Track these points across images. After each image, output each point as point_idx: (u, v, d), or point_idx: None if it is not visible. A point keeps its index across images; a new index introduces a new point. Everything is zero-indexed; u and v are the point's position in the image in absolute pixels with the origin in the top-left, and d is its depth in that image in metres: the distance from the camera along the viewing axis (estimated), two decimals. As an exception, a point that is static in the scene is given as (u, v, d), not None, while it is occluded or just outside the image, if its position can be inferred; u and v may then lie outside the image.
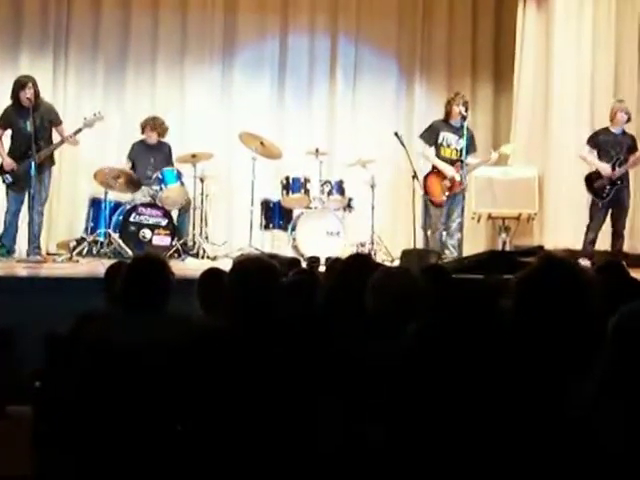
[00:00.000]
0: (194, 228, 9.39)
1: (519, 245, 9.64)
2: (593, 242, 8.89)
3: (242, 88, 10.61)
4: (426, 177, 8.94)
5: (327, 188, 9.35)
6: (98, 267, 7.39)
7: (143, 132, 9.50)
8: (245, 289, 3.42)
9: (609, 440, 2.14)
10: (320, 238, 9.07)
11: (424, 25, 11.02)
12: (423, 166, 9.09)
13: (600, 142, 8.92)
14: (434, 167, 8.97)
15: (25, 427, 3.64)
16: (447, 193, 8.84)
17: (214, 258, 9.06)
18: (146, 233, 8.86)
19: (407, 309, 3.20)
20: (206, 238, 9.42)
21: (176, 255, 8.90)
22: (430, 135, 9.02)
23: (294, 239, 9.13)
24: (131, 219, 8.85)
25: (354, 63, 10.93)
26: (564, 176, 9.77)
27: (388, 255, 9.28)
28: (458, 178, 8.81)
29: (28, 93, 8.20)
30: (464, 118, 8.85)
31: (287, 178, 9.36)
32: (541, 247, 8.67)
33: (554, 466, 2.20)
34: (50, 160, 8.44)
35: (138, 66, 10.40)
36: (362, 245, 9.39)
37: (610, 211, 8.87)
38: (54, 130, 8.48)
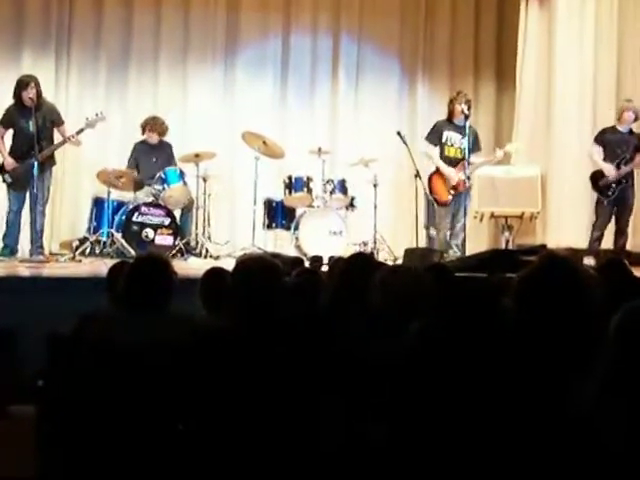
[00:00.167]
0: (197, 228, 9.39)
1: (522, 244, 9.63)
2: (599, 240, 8.88)
3: (244, 87, 10.61)
4: (430, 177, 8.92)
5: (330, 187, 9.35)
6: (101, 267, 7.40)
7: (143, 133, 9.50)
8: (248, 289, 3.42)
9: (611, 439, 2.13)
10: (323, 237, 9.08)
11: (426, 24, 11.04)
12: (427, 166, 9.07)
13: (607, 140, 8.92)
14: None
15: (28, 427, 3.64)
16: (452, 192, 8.83)
17: (217, 258, 9.05)
18: (149, 233, 8.86)
19: (411, 307, 3.20)
20: (209, 238, 9.42)
21: (179, 255, 8.89)
22: (434, 135, 9.01)
23: (297, 238, 9.13)
24: (134, 219, 8.83)
25: (356, 62, 10.94)
26: (567, 175, 9.77)
27: (391, 254, 9.27)
28: (462, 177, 8.79)
29: (30, 93, 8.20)
30: (467, 117, 8.83)
31: (290, 177, 9.37)
32: (544, 246, 8.66)
33: (556, 465, 2.20)
34: (51, 160, 8.43)
35: (140, 65, 10.40)
36: (365, 244, 9.39)
37: (614, 209, 8.88)
38: (55, 130, 8.48)
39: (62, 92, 10.03)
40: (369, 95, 10.94)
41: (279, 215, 9.43)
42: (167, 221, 8.94)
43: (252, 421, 3.14)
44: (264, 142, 9.45)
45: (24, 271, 7.59)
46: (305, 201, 9.37)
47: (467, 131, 8.79)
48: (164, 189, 9.05)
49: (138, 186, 9.19)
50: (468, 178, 8.83)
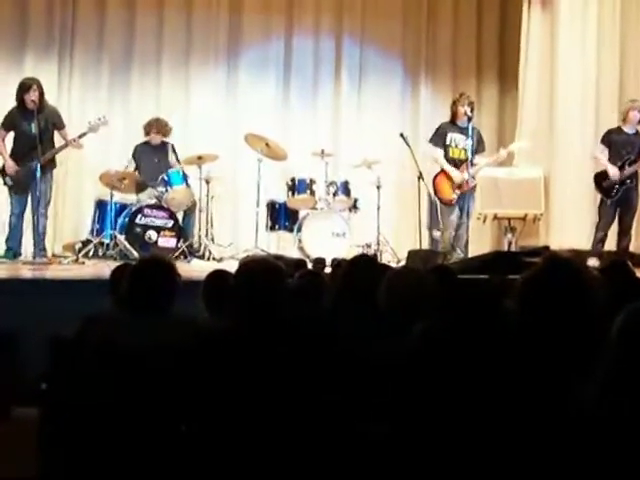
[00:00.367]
0: (200, 230, 9.39)
1: (525, 245, 9.61)
2: (602, 241, 8.87)
3: (247, 89, 10.61)
4: (435, 177, 8.92)
5: (333, 189, 9.36)
6: (104, 269, 7.39)
7: (148, 134, 9.49)
8: (251, 291, 3.42)
9: (613, 440, 2.13)
10: (326, 239, 9.08)
11: (429, 26, 11.03)
12: (430, 168, 9.06)
13: (612, 141, 8.90)
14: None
15: (30, 429, 3.64)
16: (457, 191, 8.83)
17: (220, 260, 9.06)
18: (152, 235, 8.85)
19: (414, 309, 3.20)
20: (212, 240, 9.42)
21: (182, 257, 8.89)
22: (438, 137, 9.01)
23: (300, 240, 9.13)
24: (137, 221, 8.83)
25: (359, 64, 10.93)
26: (569, 176, 9.77)
27: (394, 256, 9.27)
28: (466, 177, 8.79)
29: (33, 95, 8.21)
30: (470, 119, 8.83)
31: (293, 179, 9.37)
32: (547, 247, 8.64)
33: (558, 466, 2.20)
34: (52, 163, 8.45)
35: (143, 67, 10.41)
36: (368, 246, 9.38)
37: (618, 210, 8.86)
38: (56, 133, 8.49)
39: (64, 95, 10.04)
40: (372, 97, 10.93)
41: (282, 217, 9.44)
42: (170, 223, 8.94)
43: (255, 422, 3.14)
44: (267, 144, 9.45)
45: (27, 273, 7.60)
46: (308, 203, 9.37)
47: (470, 132, 8.79)
48: (167, 191, 9.04)
49: (141, 188, 9.20)
50: (472, 177, 8.84)
